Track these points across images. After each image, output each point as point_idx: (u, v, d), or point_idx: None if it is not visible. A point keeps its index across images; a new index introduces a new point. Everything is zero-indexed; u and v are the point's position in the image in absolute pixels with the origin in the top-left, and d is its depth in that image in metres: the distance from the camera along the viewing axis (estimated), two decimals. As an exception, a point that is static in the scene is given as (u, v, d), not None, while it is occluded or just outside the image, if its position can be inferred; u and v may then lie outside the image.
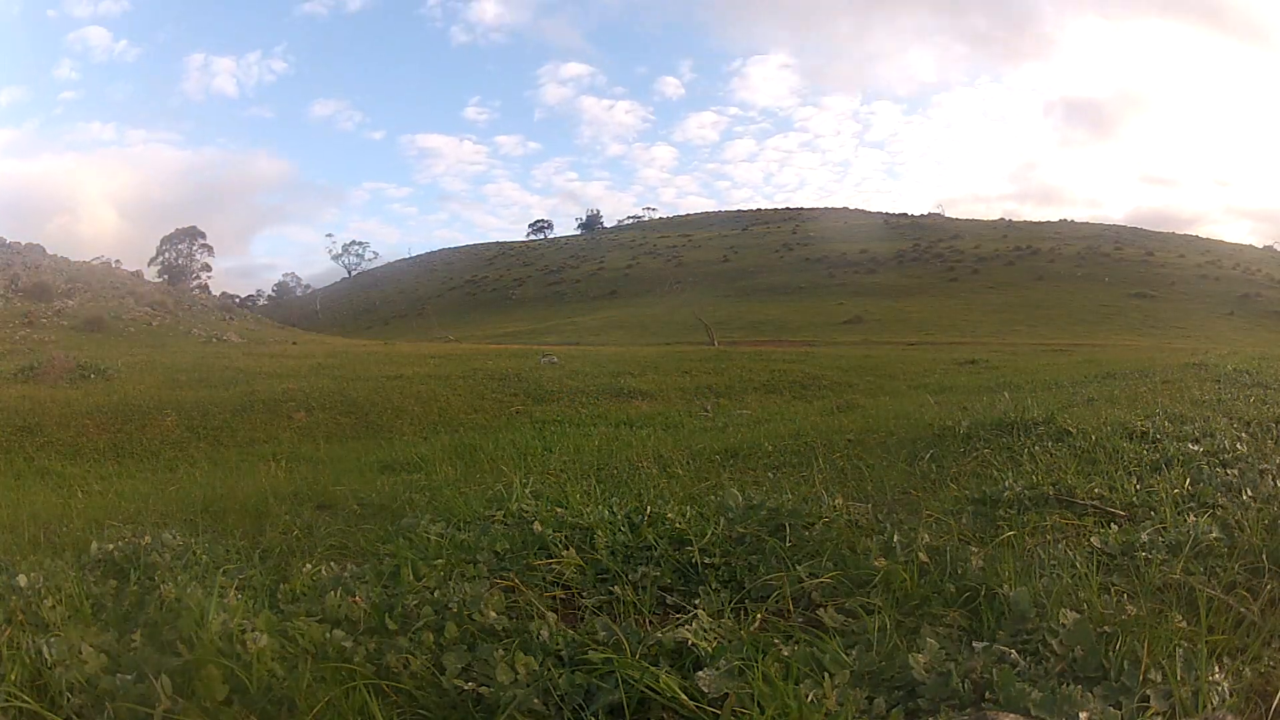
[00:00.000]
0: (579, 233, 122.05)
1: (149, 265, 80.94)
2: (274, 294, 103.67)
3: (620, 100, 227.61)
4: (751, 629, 2.11)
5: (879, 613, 2.11)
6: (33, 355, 16.79)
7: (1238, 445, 4.14)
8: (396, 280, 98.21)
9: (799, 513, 2.95)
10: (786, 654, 1.88)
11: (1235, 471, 3.54)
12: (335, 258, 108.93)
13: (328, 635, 2.07)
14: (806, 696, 1.68)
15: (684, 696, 1.75)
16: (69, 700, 1.86)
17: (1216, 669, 1.76)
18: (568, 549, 2.77)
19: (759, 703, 1.67)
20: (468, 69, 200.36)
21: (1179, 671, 1.73)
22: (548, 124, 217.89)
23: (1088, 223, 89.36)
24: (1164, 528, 2.75)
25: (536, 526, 2.95)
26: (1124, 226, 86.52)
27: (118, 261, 43.83)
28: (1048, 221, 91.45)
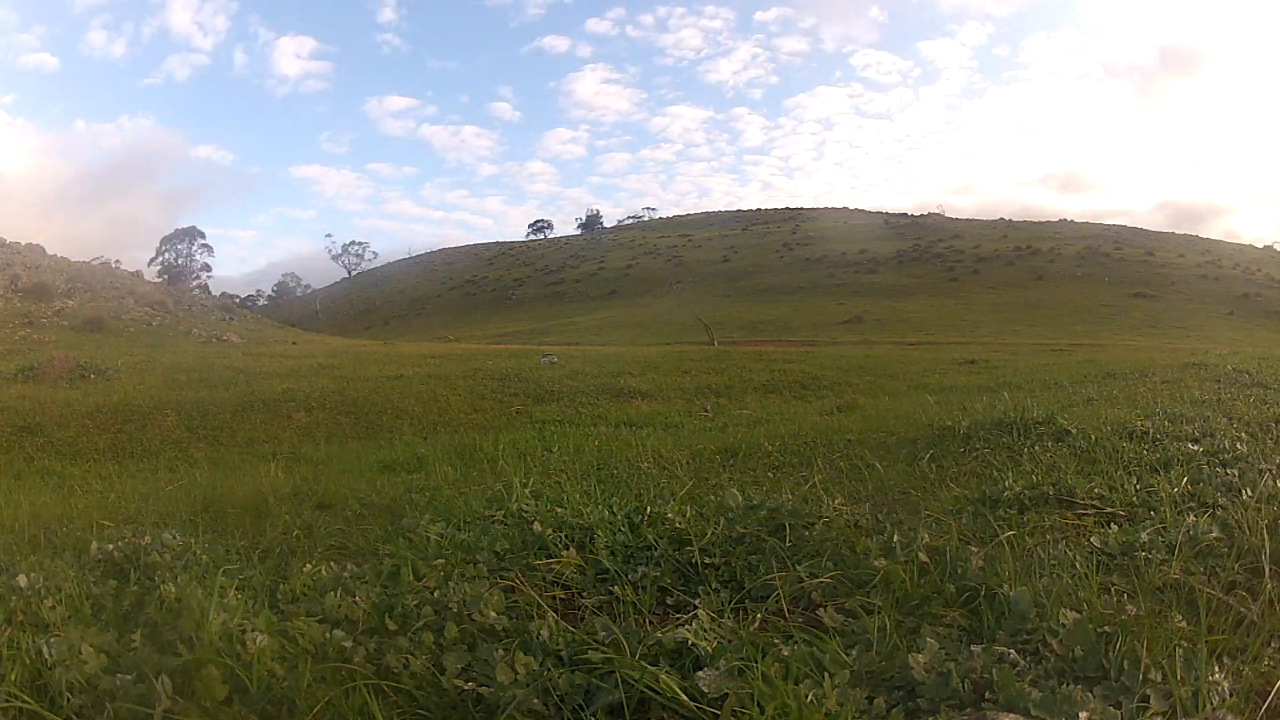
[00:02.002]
0: (579, 233, 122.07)
1: (149, 265, 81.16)
2: (274, 294, 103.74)
3: (464, 125, 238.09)
4: (751, 629, 2.11)
5: (879, 613, 2.11)
6: (33, 355, 16.79)
7: (1238, 445, 4.14)
8: (396, 280, 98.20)
9: (799, 513, 2.95)
10: (786, 654, 1.88)
11: (1235, 471, 3.54)
12: (335, 258, 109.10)
13: (328, 635, 2.07)
14: (806, 696, 1.68)
15: (684, 696, 1.75)
16: (69, 700, 1.86)
17: (1216, 669, 1.76)
18: (568, 549, 2.77)
19: (759, 703, 1.67)
20: (302, 114, 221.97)
21: (1179, 671, 1.73)
22: (409, 152, 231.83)
23: (1087, 223, 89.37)
24: (1164, 528, 2.75)
25: (536, 526, 2.95)
26: (1124, 226, 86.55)
27: (118, 262, 43.88)
28: (1048, 221, 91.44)
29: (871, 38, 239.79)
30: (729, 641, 2.00)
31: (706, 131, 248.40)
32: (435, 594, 2.33)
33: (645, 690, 1.79)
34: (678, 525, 2.94)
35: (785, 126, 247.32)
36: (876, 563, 2.44)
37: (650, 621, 2.28)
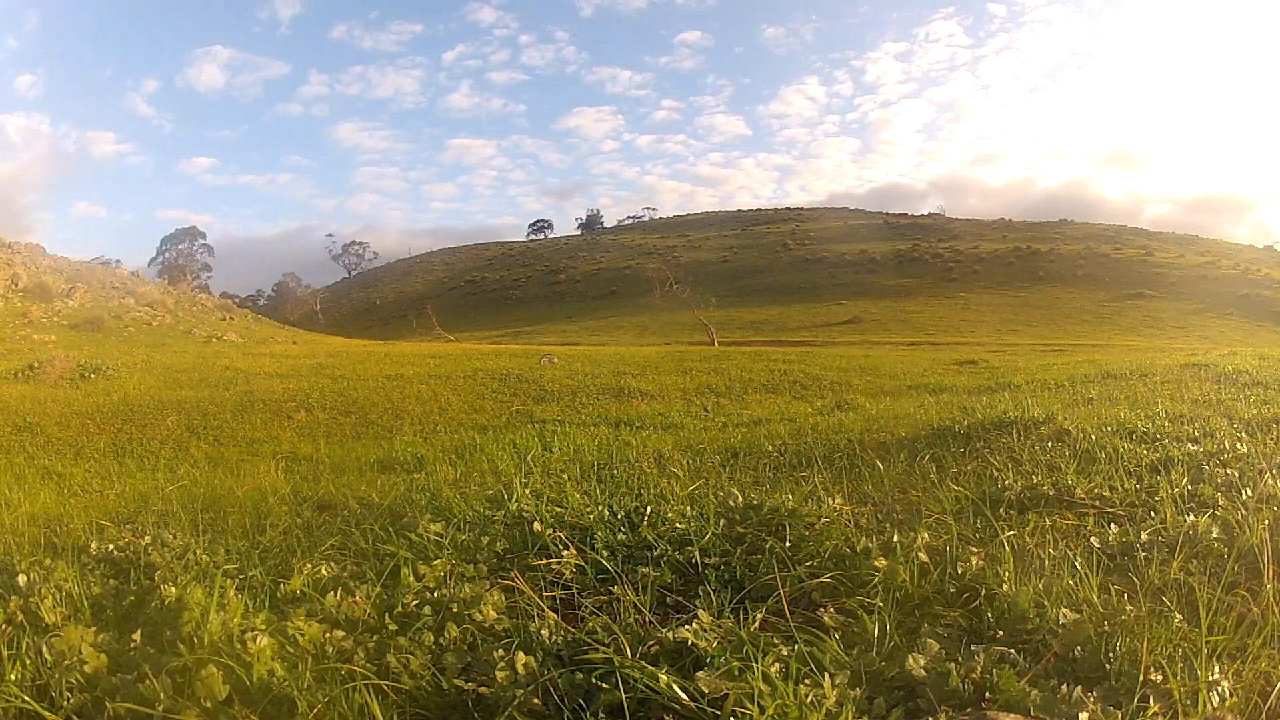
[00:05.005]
0: (579, 233, 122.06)
1: (149, 265, 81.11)
2: (274, 294, 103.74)
3: (276, 174, 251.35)
4: (751, 629, 2.11)
5: (879, 613, 2.11)
6: (33, 355, 16.78)
7: (1238, 445, 4.14)
8: (396, 280, 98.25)
9: (799, 513, 2.95)
10: (786, 654, 1.88)
11: (1235, 471, 3.55)
12: (335, 258, 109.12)
13: (328, 635, 2.07)
14: (806, 696, 1.68)
15: (684, 696, 1.75)
16: (69, 700, 1.86)
17: (1216, 669, 1.76)
18: (568, 549, 2.77)
19: (759, 703, 1.67)
20: (136, 177, 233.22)
21: (1179, 671, 1.73)
22: (241, 196, 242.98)
23: (1087, 222, 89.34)
24: (1164, 528, 2.75)
25: (536, 526, 2.95)
26: (1124, 226, 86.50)
27: (118, 261, 44.01)
28: (1048, 221, 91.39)
29: (585, 56, 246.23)
30: (729, 641, 2.00)
31: (510, 158, 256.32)
32: (435, 594, 2.33)
33: (645, 690, 1.79)
34: (678, 525, 2.94)
35: (583, 148, 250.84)
36: (876, 563, 2.44)
37: (650, 621, 2.28)
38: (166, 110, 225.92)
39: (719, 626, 2.11)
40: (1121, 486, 3.41)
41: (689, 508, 3.16)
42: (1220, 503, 3.06)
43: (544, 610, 2.29)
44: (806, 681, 1.74)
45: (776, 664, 1.81)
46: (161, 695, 1.80)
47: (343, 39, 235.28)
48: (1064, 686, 1.67)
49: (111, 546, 3.05)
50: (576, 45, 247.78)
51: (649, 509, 3.11)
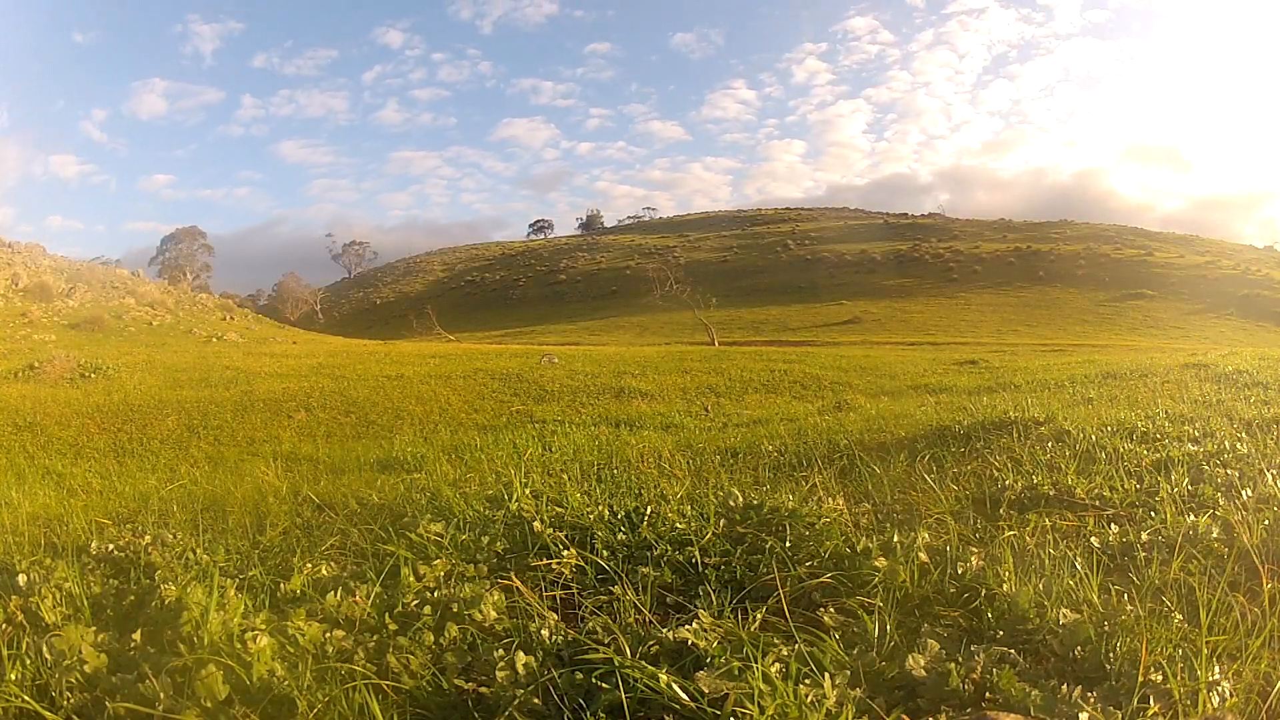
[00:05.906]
0: (579, 233, 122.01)
1: (149, 265, 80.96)
2: (273, 294, 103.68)
3: (240, 187, 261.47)
4: (751, 629, 2.11)
5: (879, 613, 2.11)
6: (33, 354, 16.78)
7: (1238, 445, 4.14)
8: (396, 280, 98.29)
9: (799, 513, 2.95)
10: (786, 654, 1.88)
11: (1235, 471, 3.55)
12: (335, 257, 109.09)
13: (328, 635, 2.07)
14: (806, 696, 1.68)
15: (684, 696, 1.75)
16: (69, 700, 1.86)
17: (1216, 669, 1.76)
18: (567, 549, 2.77)
19: (759, 703, 1.67)
20: (98, 191, 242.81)
21: (1179, 671, 1.73)
22: (200, 209, 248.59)
23: (1087, 223, 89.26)
24: (1164, 528, 2.75)
25: (536, 526, 2.95)
26: (1125, 226, 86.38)
27: (118, 261, 44.04)
28: (1047, 221, 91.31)
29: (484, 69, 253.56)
30: (729, 641, 2.00)
31: (455, 168, 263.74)
32: (435, 594, 2.33)
33: (645, 690, 1.79)
34: (678, 525, 2.94)
35: (525, 157, 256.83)
36: (876, 563, 2.44)
37: (650, 621, 2.28)
38: (119, 135, 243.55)
39: (719, 626, 2.11)
40: (1122, 487, 3.41)
41: (689, 508, 3.16)
42: (1220, 503, 3.06)
43: (544, 610, 2.29)
44: (806, 681, 1.74)
45: (776, 664, 1.81)
46: (161, 695, 1.80)
47: (265, 66, 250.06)
48: (1064, 686, 1.67)
49: (111, 546, 3.05)
50: (491, 60, 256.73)
51: (649, 509, 3.11)
